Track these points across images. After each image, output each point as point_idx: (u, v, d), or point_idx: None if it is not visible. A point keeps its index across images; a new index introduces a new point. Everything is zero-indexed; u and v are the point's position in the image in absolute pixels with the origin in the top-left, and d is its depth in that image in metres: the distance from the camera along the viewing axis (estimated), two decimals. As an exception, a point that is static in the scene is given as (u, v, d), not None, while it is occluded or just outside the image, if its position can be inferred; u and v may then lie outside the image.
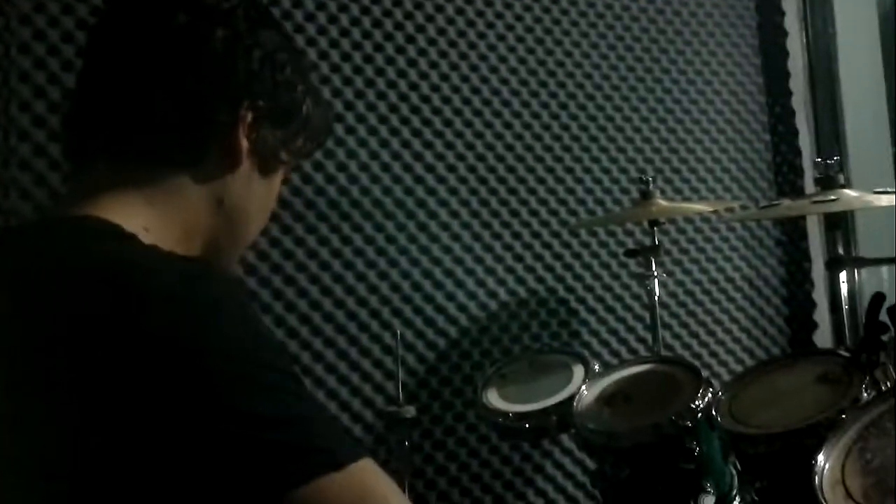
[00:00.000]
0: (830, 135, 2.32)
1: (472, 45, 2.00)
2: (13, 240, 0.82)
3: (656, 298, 1.75)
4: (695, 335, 2.16)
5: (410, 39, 1.94)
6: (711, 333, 2.18)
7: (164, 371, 0.65)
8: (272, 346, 0.72)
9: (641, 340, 2.08)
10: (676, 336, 2.13)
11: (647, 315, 2.01)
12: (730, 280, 2.21)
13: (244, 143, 0.82)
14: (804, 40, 2.36)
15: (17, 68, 1.61)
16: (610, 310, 2.07)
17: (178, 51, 0.80)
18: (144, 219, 0.78)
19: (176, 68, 0.79)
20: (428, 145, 1.93)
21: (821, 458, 1.11)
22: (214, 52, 0.80)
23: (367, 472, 0.68)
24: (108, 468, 0.65)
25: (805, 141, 2.30)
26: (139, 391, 0.65)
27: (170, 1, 0.82)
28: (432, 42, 1.96)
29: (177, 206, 0.81)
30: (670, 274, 2.12)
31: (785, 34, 2.33)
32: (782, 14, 2.33)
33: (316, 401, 0.73)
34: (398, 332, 1.65)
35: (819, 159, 1.51)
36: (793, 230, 2.29)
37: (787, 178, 2.31)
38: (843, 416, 1.17)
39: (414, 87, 1.93)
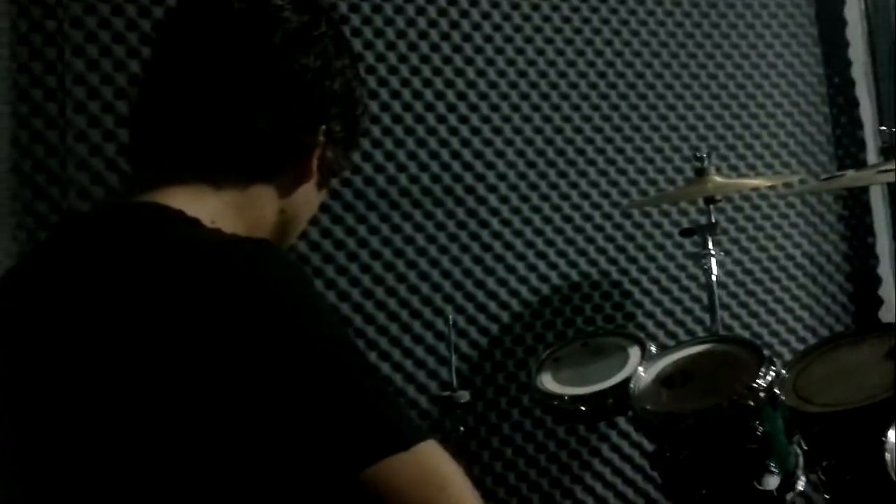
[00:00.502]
0: (893, 105, 2.23)
1: (518, 28, 1.97)
2: (81, 225, 0.83)
3: (714, 278, 1.71)
4: (755, 315, 2.10)
5: (454, 25, 1.93)
6: (772, 312, 2.12)
7: (249, 347, 0.65)
8: (340, 325, 0.73)
9: (699, 321, 2.04)
10: (735, 316, 2.08)
11: (703, 296, 1.96)
12: (790, 258, 2.15)
13: (315, 162, 0.86)
14: (863, 7, 2.27)
15: (72, 70, 1.66)
16: (665, 291, 2.03)
17: (272, 71, 0.81)
18: (213, 213, 0.79)
19: (271, 88, 0.81)
20: (476, 131, 1.92)
21: (891, 435, 1.07)
22: (305, 77, 0.82)
23: (433, 454, 0.68)
24: (188, 441, 0.66)
25: (867, 112, 2.22)
26: (220, 365, 0.65)
27: (258, 20, 0.82)
28: (477, 27, 1.94)
29: (246, 209, 0.83)
30: (728, 253, 2.07)
31: (843, 2, 2.24)
32: (839, -19, 2.25)
33: (382, 380, 0.73)
34: (450, 317, 1.64)
35: (883, 128, 1.44)
36: (855, 205, 2.21)
37: (848, 152, 2.22)
38: (914, 391, 1.12)
39: (460, 73, 1.92)
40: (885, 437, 1.08)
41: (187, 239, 0.73)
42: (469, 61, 1.93)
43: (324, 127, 0.85)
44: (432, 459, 0.68)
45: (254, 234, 0.83)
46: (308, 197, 0.88)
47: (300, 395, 0.65)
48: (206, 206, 0.79)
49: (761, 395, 1.29)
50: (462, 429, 1.57)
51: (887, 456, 1.07)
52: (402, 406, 0.71)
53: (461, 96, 1.91)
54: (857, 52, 2.24)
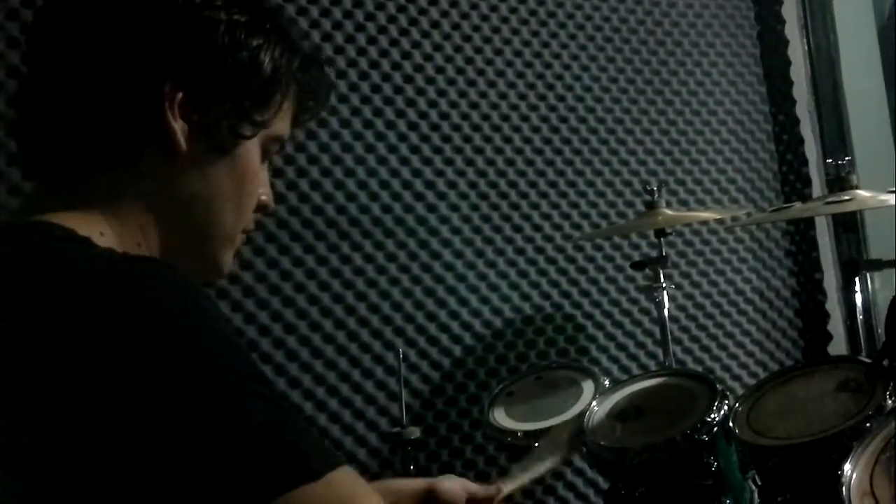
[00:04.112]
0: (836, 142, 2.28)
1: (470, 60, 1.97)
2: None
3: (666, 311, 1.70)
4: (706, 349, 2.10)
5: (406, 55, 1.91)
6: (723, 347, 2.12)
7: (118, 378, 0.60)
8: (235, 349, 0.66)
9: (652, 356, 2.03)
10: (687, 350, 2.08)
11: (656, 329, 1.95)
12: (740, 292, 2.16)
13: (179, 126, 0.73)
14: (805, 48, 2.33)
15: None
16: (618, 325, 2.02)
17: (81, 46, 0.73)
18: (99, 223, 0.73)
19: (81, 61, 0.72)
20: (427, 162, 1.90)
21: (847, 468, 1.06)
22: (118, 34, 0.72)
23: (345, 481, 0.64)
24: (69, 479, 0.61)
25: (811, 149, 2.27)
26: (93, 399, 0.60)
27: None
28: (429, 58, 1.93)
29: (127, 207, 0.74)
30: (679, 287, 2.07)
31: (786, 43, 2.30)
32: (783, 23, 2.31)
33: (288, 406, 0.67)
34: (401, 351, 1.60)
35: (829, 160, 1.46)
36: (802, 240, 2.25)
37: (794, 188, 2.26)
38: (869, 424, 1.12)
39: (411, 103, 1.90)
40: (841, 470, 1.07)
41: (64, 263, 0.66)
42: (421, 92, 1.91)
43: (168, 81, 0.72)
44: (345, 488, 0.64)
45: (153, 237, 0.76)
46: (205, 169, 0.75)
47: (188, 429, 0.60)
48: (92, 218, 0.72)
49: (715, 428, 1.28)
50: (412, 467, 1.52)
51: (843, 490, 1.05)
52: (311, 433, 0.66)
53: (412, 126, 1.89)
54: (801, 91, 2.29)
